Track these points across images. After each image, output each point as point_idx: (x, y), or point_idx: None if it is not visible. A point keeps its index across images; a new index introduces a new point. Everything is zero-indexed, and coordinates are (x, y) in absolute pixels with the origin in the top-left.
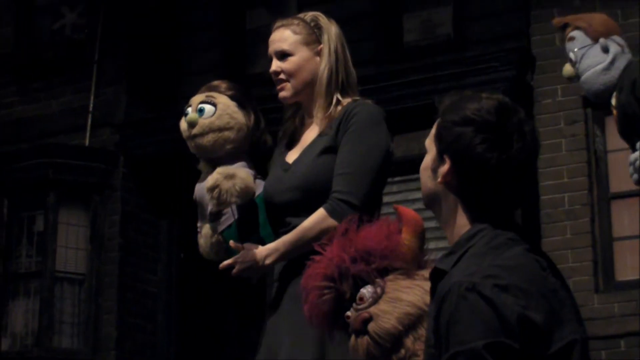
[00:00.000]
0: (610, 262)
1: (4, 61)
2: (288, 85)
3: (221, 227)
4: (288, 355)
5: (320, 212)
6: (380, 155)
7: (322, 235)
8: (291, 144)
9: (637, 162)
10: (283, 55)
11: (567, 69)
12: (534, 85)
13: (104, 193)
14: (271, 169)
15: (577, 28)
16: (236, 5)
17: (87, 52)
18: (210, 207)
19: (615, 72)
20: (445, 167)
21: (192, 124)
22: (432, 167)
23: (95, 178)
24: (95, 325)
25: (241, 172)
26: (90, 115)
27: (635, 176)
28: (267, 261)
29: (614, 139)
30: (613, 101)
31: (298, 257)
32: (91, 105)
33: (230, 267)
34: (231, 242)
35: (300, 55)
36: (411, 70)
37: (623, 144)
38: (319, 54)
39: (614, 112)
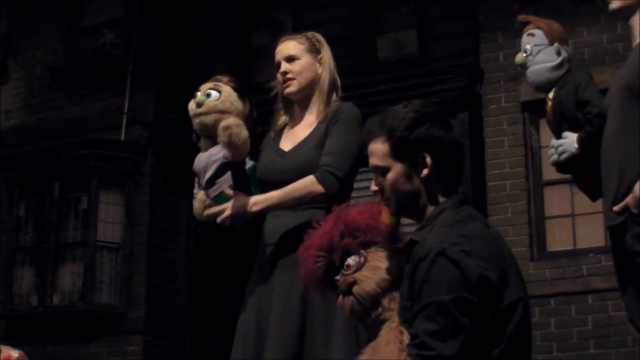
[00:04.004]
0: (542, 236)
1: (55, 72)
2: (295, 82)
3: (214, 194)
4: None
5: (310, 178)
6: (358, 147)
7: (306, 196)
8: (281, 134)
9: (560, 147)
10: (290, 59)
11: (520, 57)
12: (482, 94)
13: (135, 179)
14: (265, 153)
15: (538, 27)
16: (243, 27)
17: (122, 64)
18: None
19: (559, 72)
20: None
21: (199, 104)
22: (405, 174)
23: (128, 167)
24: (128, 284)
25: (246, 133)
26: (125, 116)
27: (555, 157)
28: (254, 208)
29: (546, 136)
30: (551, 95)
31: (293, 229)
32: (126, 107)
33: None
34: (225, 188)
35: (305, 59)
36: (384, 81)
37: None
38: (319, 62)
39: (549, 103)
